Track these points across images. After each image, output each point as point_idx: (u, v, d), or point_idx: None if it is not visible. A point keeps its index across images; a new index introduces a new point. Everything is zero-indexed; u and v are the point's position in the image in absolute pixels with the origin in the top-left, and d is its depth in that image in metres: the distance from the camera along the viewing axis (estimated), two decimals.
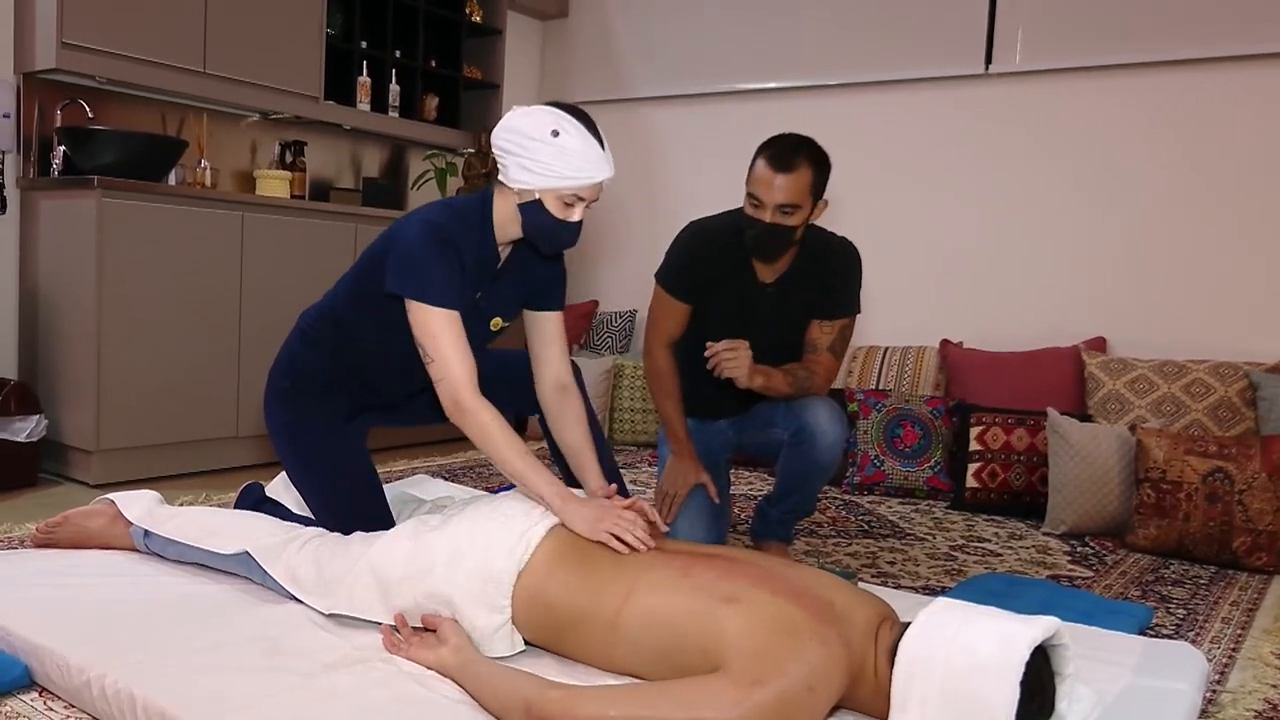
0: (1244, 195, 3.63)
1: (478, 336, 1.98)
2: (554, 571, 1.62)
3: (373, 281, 1.91)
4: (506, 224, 1.91)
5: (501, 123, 1.84)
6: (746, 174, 2.27)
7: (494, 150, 1.85)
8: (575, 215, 1.85)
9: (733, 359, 2.21)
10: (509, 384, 2.07)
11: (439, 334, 1.79)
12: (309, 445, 2.07)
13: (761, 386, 2.28)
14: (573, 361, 2.12)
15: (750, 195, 2.26)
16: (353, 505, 2.07)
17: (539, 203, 1.83)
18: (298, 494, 2.38)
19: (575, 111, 1.84)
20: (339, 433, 2.09)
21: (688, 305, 2.42)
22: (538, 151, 1.78)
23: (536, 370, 2.06)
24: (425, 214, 1.86)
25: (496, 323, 2.03)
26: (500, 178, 1.87)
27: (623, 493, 2.12)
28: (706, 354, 2.24)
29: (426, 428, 4.21)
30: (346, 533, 1.96)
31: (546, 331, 2.05)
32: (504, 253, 1.98)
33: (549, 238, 1.88)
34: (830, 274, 2.40)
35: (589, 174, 1.81)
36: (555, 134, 1.78)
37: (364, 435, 2.16)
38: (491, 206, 1.90)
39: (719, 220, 2.44)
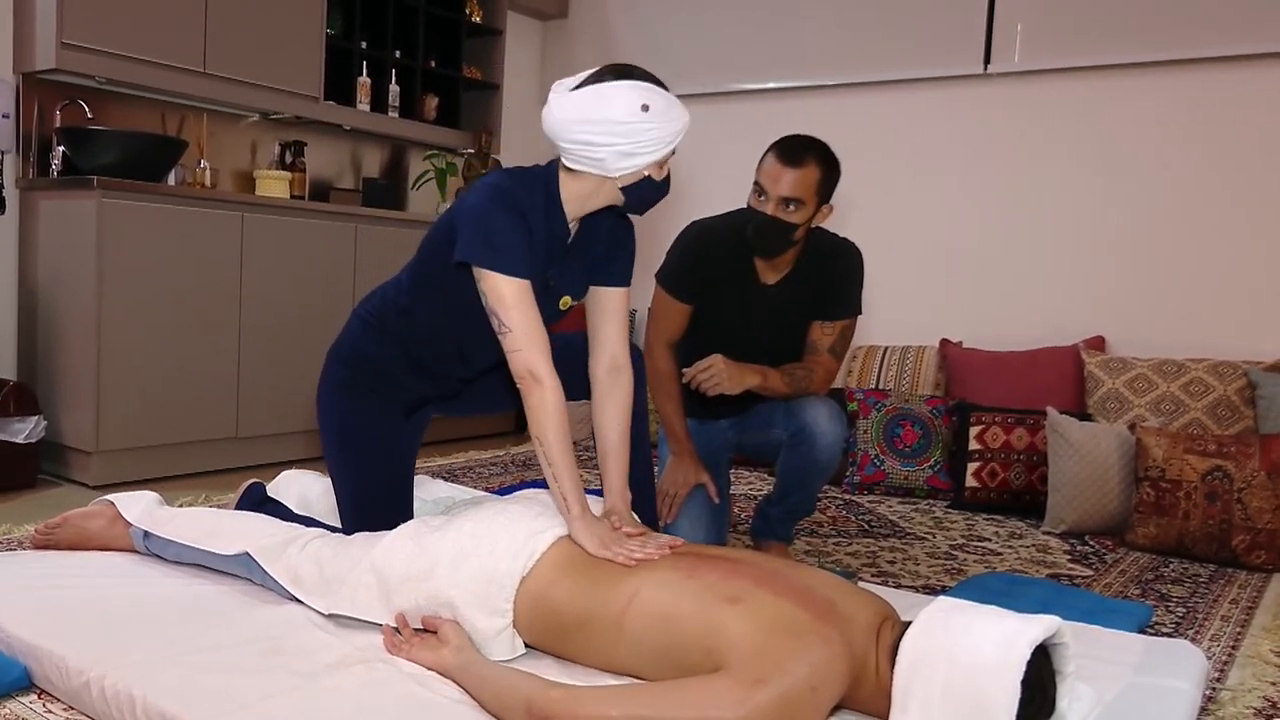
0: (1242, 194, 3.63)
1: (546, 317, 1.90)
2: (559, 577, 1.61)
3: (436, 263, 1.86)
4: (580, 201, 1.83)
5: (573, 116, 1.71)
6: (756, 168, 2.28)
7: (568, 145, 1.74)
8: (667, 168, 1.82)
9: (709, 376, 2.22)
10: (559, 365, 1.95)
11: (513, 304, 1.72)
12: (359, 438, 2.04)
13: (759, 387, 2.29)
14: (633, 345, 2.03)
15: (756, 185, 2.27)
16: (382, 504, 2.05)
17: (647, 177, 1.78)
18: (300, 492, 2.38)
19: (635, 73, 1.75)
20: (392, 430, 2.06)
21: (688, 306, 2.42)
22: (638, 133, 1.70)
23: (592, 347, 1.97)
24: (491, 180, 1.79)
25: (566, 301, 1.96)
26: (577, 166, 1.77)
27: (647, 504, 2.09)
28: (685, 380, 2.26)
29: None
30: (361, 530, 1.96)
31: (607, 307, 1.96)
32: (573, 229, 1.91)
33: (651, 201, 1.84)
34: (832, 275, 2.40)
35: (681, 126, 1.76)
36: (646, 108, 1.70)
37: (418, 436, 2.13)
38: (557, 184, 1.82)
39: (721, 221, 2.44)
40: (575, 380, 1.98)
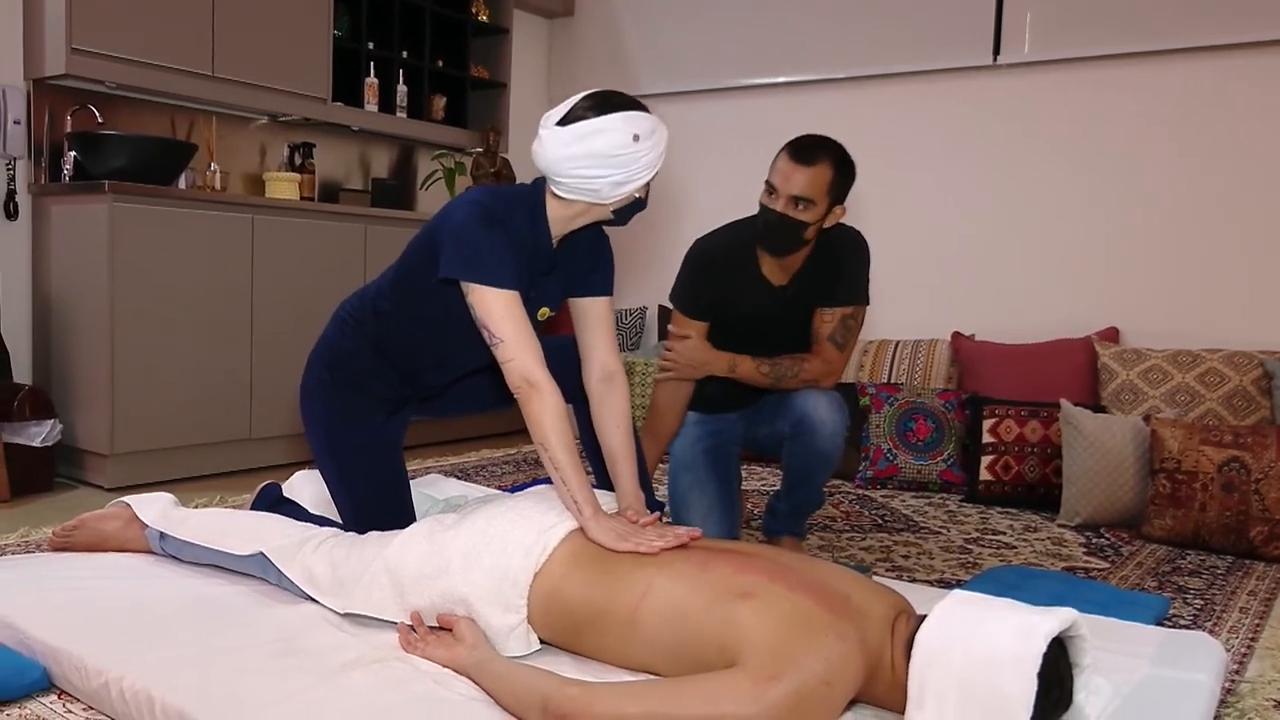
0: (1256, 183, 3.61)
1: None
2: (572, 572, 1.62)
3: (416, 272, 1.89)
4: (565, 222, 1.88)
5: (569, 153, 1.76)
6: (770, 167, 2.29)
7: (565, 180, 1.79)
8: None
9: (670, 372, 2.35)
10: (553, 369, 1.97)
11: (502, 315, 1.75)
12: (345, 438, 2.05)
13: (729, 374, 2.37)
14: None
15: (767, 183, 2.28)
16: (380, 502, 2.06)
17: (636, 198, 1.87)
18: (315, 492, 2.39)
19: (620, 103, 1.80)
20: (376, 428, 2.07)
21: (706, 323, 2.44)
22: (630, 161, 1.77)
23: (584, 358, 2.01)
24: (471, 196, 1.83)
25: (544, 313, 2.00)
26: (571, 196, 1.82)
27: (650, 502, 2.10)
28: (657, 378, 2.41)
29: (435, 426, 4.23)
30: (367, 530, 1.96)
31: (594, 317, 2.00)
32: (556, 245, 1.96)
33: (632, 212, 1.93)
34: (837, 264, 2.40)
35: (664, 142, 1.84)
36: (637, 138, 1.77)
37: (402, 432, 2.15)
38: (544, 205, 1.87)
39: (722, 234, 2.47)
40: (571, 383, 2.01)
